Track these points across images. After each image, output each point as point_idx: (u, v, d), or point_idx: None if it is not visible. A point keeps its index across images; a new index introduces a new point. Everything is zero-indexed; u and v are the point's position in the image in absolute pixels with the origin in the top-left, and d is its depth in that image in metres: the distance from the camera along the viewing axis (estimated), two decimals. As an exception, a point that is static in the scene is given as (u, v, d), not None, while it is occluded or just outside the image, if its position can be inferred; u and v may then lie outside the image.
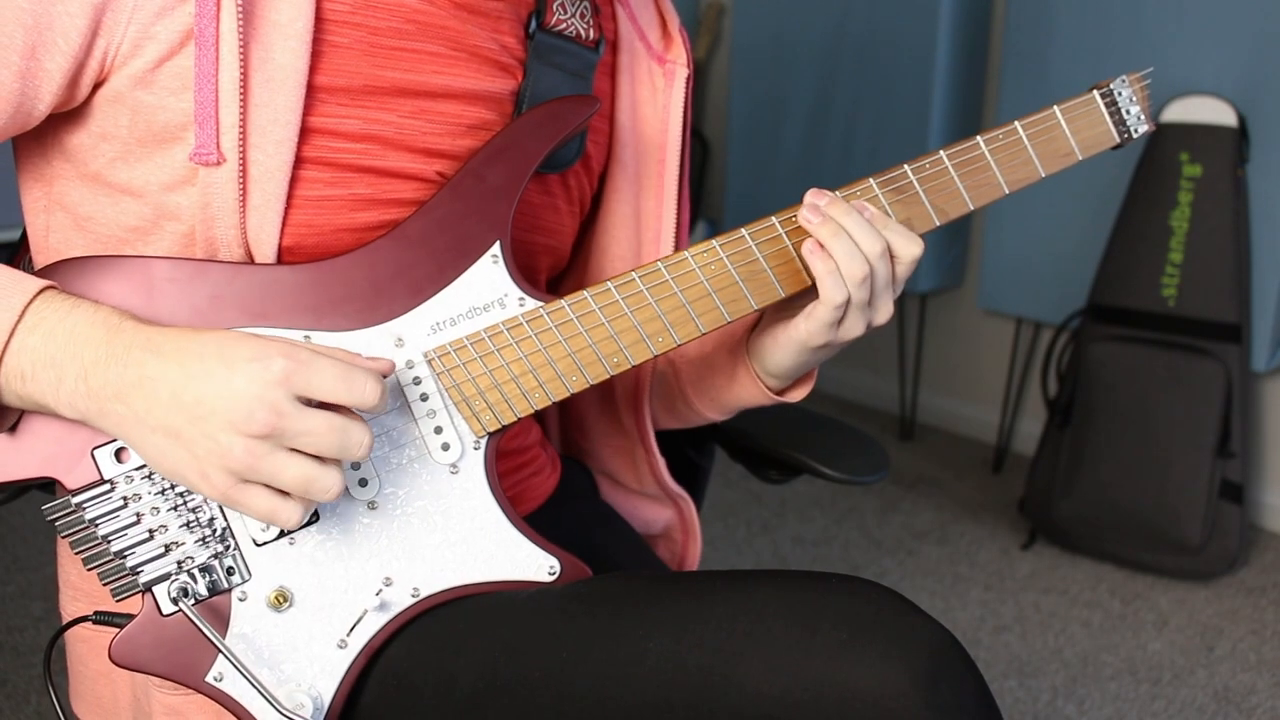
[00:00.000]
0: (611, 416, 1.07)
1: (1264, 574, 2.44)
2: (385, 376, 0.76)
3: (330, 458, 0.71)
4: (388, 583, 0.80)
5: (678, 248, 0.99)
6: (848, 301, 0.84)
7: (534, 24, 0.88)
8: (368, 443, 0.72)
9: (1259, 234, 2.41)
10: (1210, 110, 2.36)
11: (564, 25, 0.90)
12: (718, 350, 0.96)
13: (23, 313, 0.71)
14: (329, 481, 0.71)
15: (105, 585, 0.76)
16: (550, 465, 1.07)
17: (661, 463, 1.06)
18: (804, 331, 0.87)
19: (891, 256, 0.84)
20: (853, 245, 0.82)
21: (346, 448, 0.71)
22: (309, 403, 0.71)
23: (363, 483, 0.79)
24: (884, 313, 0.86)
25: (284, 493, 0.72)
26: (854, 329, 0.86)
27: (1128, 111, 0.90)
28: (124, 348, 0.71)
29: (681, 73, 0.96)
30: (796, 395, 0.96)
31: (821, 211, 0.83)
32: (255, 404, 0.68)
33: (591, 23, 0.93)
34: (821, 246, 0.83)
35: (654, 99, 0.97)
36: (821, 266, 0.83)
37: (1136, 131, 0.91)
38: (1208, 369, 2.35)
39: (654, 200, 0.98)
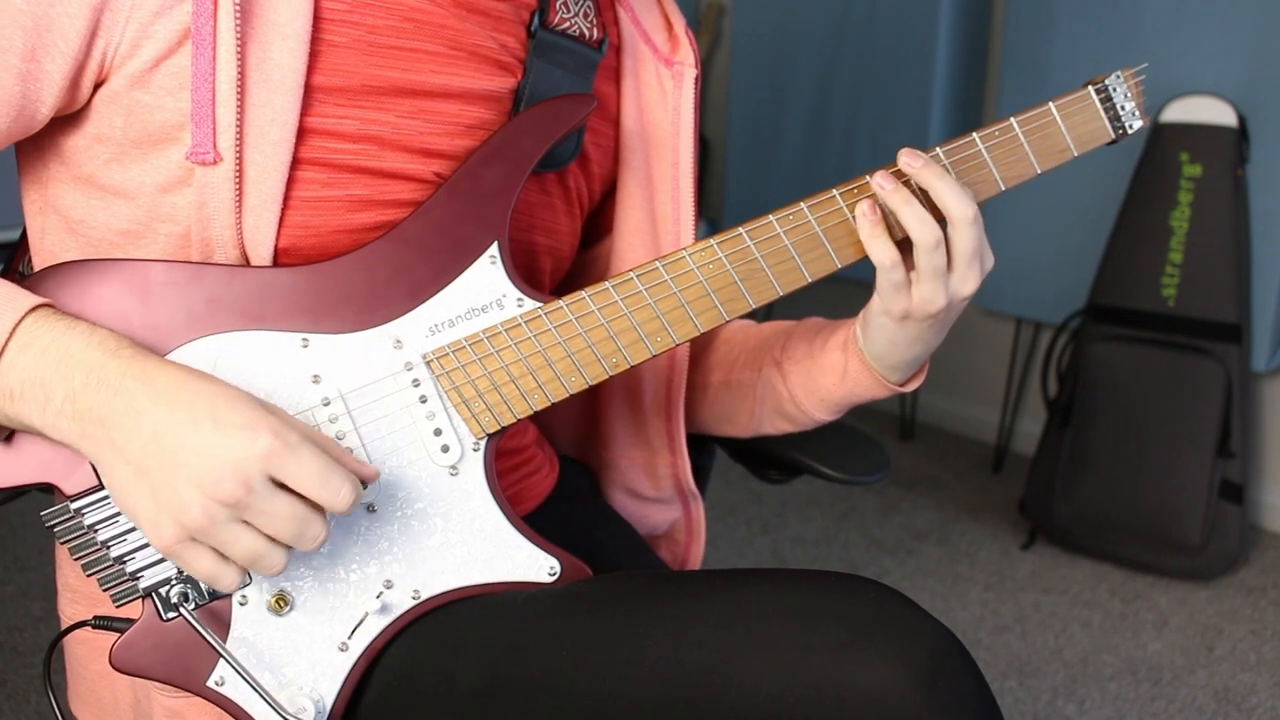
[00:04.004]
0: (637, 427, 1.06)
1: (1264, 574, 2.44)
2: (367, 483, 0.76)
3: (282, 542, 0.71)
4: (388, 585, 0.80)
5: None
6: (901, 264, 0.83)
7: (536, 22, 0.88)
8: (322, 538, 0.72)
9: (1259, 234, 2.40)
10: (1210, 110, 2.36)
11: (567, 24, 0.90)
12: (826, 350, 0.95)
13: (13, 331, 0.70)
14: (275, 560, 0.71)
15: (105, 591, 0.76)
16: (548, 464, 1.07)
17: (687, 465, 1.06)
18: (877, 303, 0.87)
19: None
20: (923, 211, 0.82)
21: (302, 538, 0.71)
22: (280, 485, 0.70)
23: (362, 485, 0.79)
24: (970, 284, 0.85)
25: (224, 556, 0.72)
26: (934, 300, 0.84)
27: (1123, 107, 0.90)
28: (117, 375, 0.70)
29: (690, 73, 0.96)
30: (909, 386, 0.95)
31: (893, 180, 0.83)
32: (229, 471, 0.68)
33: (595, 22, 0.93)
34: (873, 210, 0.84)
35: (664, 101, 0.97)
36: (868, 231, 0.84)
37: (1131, 127, 0.90)
38: (1208, 369, 2.35)
39: (670, 203, 0.97)
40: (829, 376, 0.95)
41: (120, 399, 0.69)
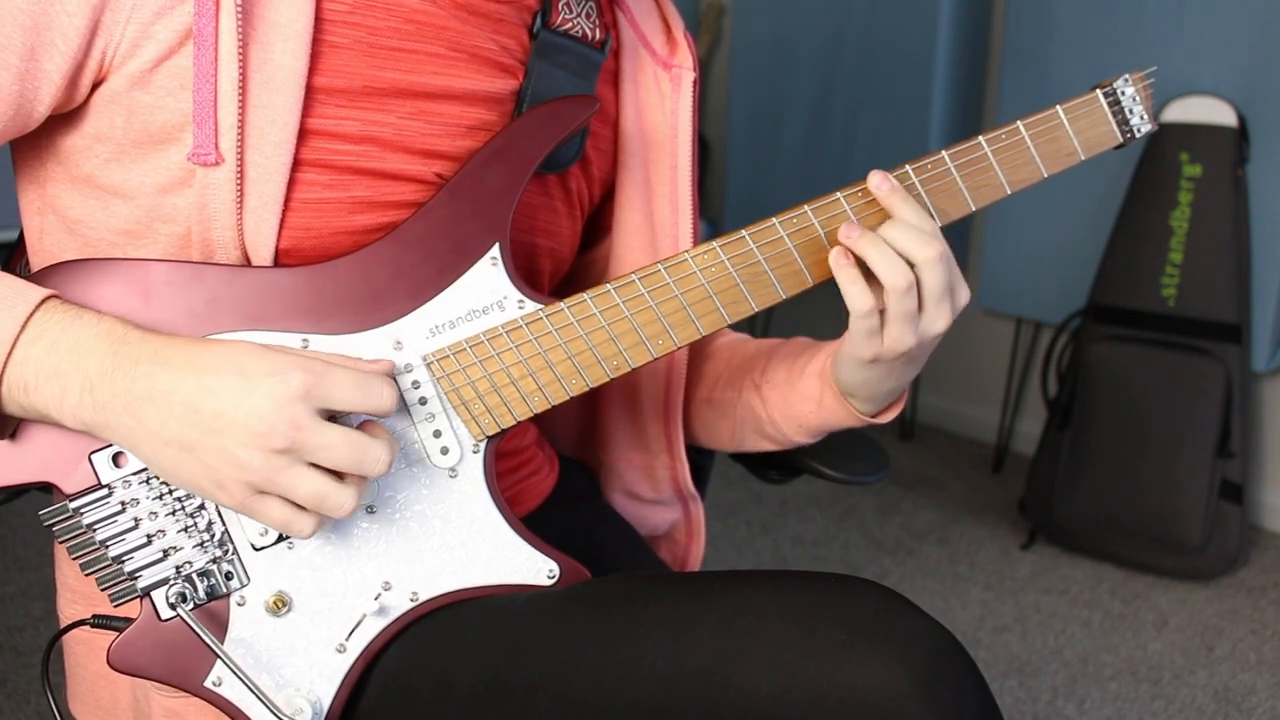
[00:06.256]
0: (636, 430, 1.06)
1: (1264, 574, 2.44)
2: (393, 375, 0.76)
3: (348, 473, 0.72)
4: (386, 587, 0.80)
5: None
6: (877, 311, 0.82)
7: (538, 23, 0.88)
8: (386, 459, 0.73)
9: (1259, 234, 2.40)
10: (1210, 110, 2.36)
11: (569, 25, 0.90)
12: (804, 377, 0.95)
13: (25, 323, 0.71)
14: (342, 499, 0.72)
15: (103, 590, 0.76)
16: (548, 465, 1.06)
17: (686, 468, 1.06)
18: (847, 345, 0.86)
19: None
20: (893, 255, 0.81)
21: (363, 463, 0.72)
22: (326, 415, 0.71)
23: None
24: (940, 322, 0.84)
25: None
26: (902, 340, 0.83)
27: (1130, 111, 0.89)
28: (131, 360, 0.70)
29: (688, 77, 0.96)
30: (883, 418, 0.94)
31: (859, 228, 0.82)
32: (275, 418, 0.68)
33: (597, 23, 0.93)
34: (845, 254, 0.82)
35: (661, 104, 0.97)
36: (843, 275, 0.82)
37: (1139, 131, 0.90)
38: (1208, 369, 2.35)
39: (668, 207, 0.97)
40: (805, 404, 0.95)
41: (141, 384, 0.70)
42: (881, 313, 0.83)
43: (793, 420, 0.97)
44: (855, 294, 0.82)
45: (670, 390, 1.02)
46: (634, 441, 1.06)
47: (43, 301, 0.72)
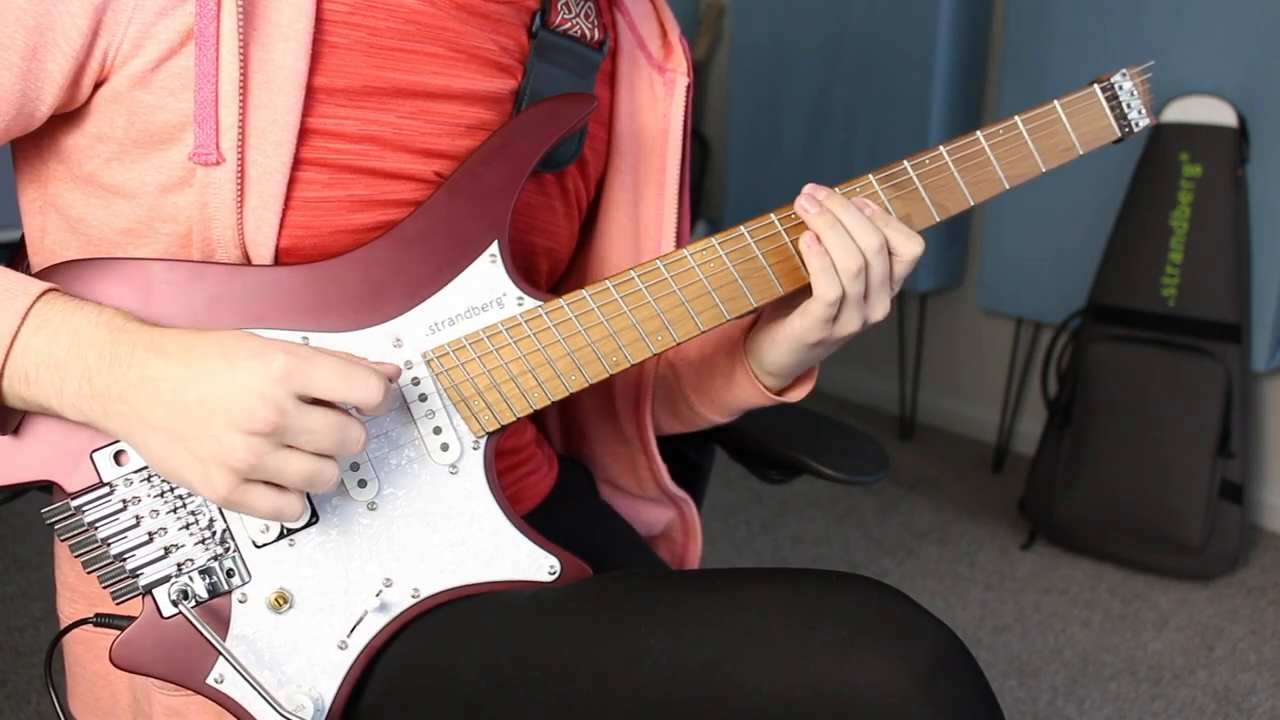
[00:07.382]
0: (613, 424, 1.07)
1: (1264, 574, 2.44)
2: (391, 380, 0.76)
3: (328, 454, 0.72)
4: (388, 583, 0.80)
5: None
6: (842, 298, 0.84)
7: (537, 23, 0.88)
8: (363, 440, 0.73)
9: (1259, 234, 2.40)
10: (1210, 110, 2.36)
11: (568, 25, 0.90)
12: (716, 352, 0.96)
13: (26, 314, 0.71)
14: (330, 474, 0.72)
15: (105, 588, 0.76)
16: (547, 464, 1.07)
17: (663, 468, 1.06)
18: (798, 328, 0.87)
19: (890, 254, 0.85)
20: (848, 238, 0.83)
21: (345, 444, 0.72)
22: (309, 401, 0.71)
23: (362, 484, 0.79)
24: (880, 310, 0.86)
25: (281, 487, 0.72)
26: (849, 325, 0.86)
27: (1128, 105, 0.90)
28: (128, 349, 0.71)
29: (682, 81, 0.96)
30: (796, 395, 0.96)
31: (819, 203, 0.84)
32: (257, 401, 0.68)
33: (596, 23, 0.93)
34: (818, 241, 0.83)
35: (654, 107, 0.97)
36: (816, 263, 0.83)
37: (1137, 126, 0.90)
38: (1208, 369, 2.35)
39: (653, 209, 0.98)
40: (717, 379, 0.97)
41: (135, 371, 0.70)
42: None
43: (705, 396, 0.99)
44: (827, 282, 0.83)
45: (640, 391, 1.03)
46: (615, 435, 1.07)
47: (43, 293, 0.72)
